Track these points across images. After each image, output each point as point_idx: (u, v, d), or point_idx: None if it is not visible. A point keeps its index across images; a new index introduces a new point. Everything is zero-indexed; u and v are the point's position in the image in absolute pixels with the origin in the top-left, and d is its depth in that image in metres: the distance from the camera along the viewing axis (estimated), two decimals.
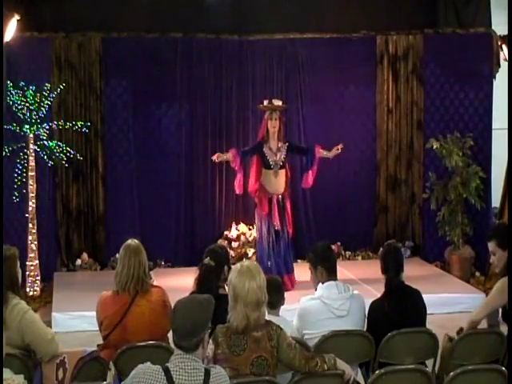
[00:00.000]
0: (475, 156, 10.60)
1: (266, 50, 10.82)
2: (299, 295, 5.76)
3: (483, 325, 5.56)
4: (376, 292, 6.55)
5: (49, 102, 9.57)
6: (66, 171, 10.28)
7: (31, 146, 9.47)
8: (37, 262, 9.48)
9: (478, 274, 10.30)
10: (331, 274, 5.44)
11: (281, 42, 10.82)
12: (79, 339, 7.53)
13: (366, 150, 11.16)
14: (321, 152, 9.30)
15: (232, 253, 9.87)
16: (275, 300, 5.27)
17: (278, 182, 9.23)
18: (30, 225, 9.49)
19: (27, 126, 9.43)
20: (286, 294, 5.59)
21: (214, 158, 9.26)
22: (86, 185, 10.50)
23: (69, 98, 10.27)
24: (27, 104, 9.43)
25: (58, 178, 10.31)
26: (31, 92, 9.43)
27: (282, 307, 5.47)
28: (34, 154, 9.48)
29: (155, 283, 5.61)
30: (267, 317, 4.63)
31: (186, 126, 10.75)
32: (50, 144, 9.57)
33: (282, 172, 9.24)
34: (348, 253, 10.99)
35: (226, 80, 10.79)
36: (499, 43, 10.46)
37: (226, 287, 4.85)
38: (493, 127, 10.86)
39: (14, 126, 9.46)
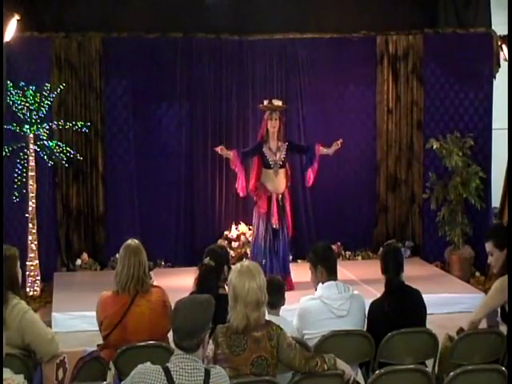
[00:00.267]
0: (475, 156, 10.60)
1: (265, 50, 10.82)
2: (299, 295, 5.76)
3: (483, 325, 5.57)
4: (376, 292, 6.55)
5: (49, 102, 9.57)
6: (66, 171, 10.28)
7: (31, 146, 9.46)
8: (37, 261, 9.48)
9: (478, 273, 10.30)
10: (331, 274, 5.44)
11: (281, 42, 10.82)
12: (79, 339, 7.53)
13: (365, 149, 11.17)
14: (321, 150, 9.29)
15: (232, 253, 9.87)
16: (275, 300, 5.27)
17: (278, 182, 9.23)
18: (30, 225, 9.49)
19: (27, 126, 9.43)
20: (286, 294, 5.59)
21: (218, 149, 9.28)
22: (85, 185, 10.50)
23: (69, 97, 10.27)
24: (27, 104, 9.42)
25: (57, 178, 10.31)
26: (31, 92, 9.43)
27: (282, 307, 5.47)
28: (34, 154, 9.48)
29: (155, 283, 5.61)
30: (267, 317, 4.63)
31: (186, 126, 10.75)
32: (50, 144, 9.57)
33: (282, 171, 9.23)
34: (348, 253, 10.99)
35: (226, 80, 10.79)
36: (499, 43, 10.46)
37: (226, 287, 4.85)
38: (493, 127, 10.86)
39: (14, 126, 9.46)
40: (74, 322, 8.37)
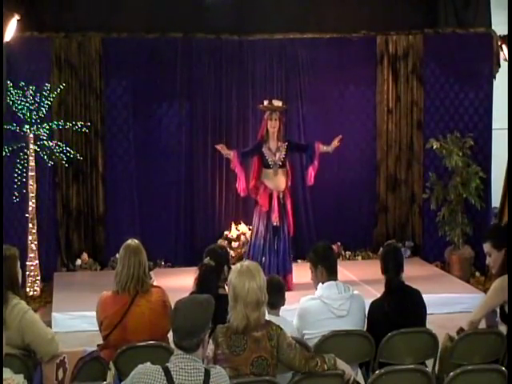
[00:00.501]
0: (475, 156, 10.60)
1: (265, 50, 10.82)
2: (299, 295, 5.76)
3: (482, 325, 5.57)
4: (376, 292, 6.55)
5: (49, 102, 9.56)
6: (65, 171, 10.28)
7: (31, 145, 9.46)
8: (37, 261, 9.48)
9: (477, 273, 10.30)
10: (331, 274, 5.44)
11: (281, 42, 10.82)
12: (79, 339, 7.53)
13: (366, 149, 11.16)
14: (321, 147, 9.29)
15: (232, 253, 9.86)
16: (276, 300, 5.27)
17: (278, 181, 9.23)
18: (30, 225, 9.49)
19: (27, 126, 9.43)
20: (286, 294, 5.59)
21: (219, 147, 9.32)
22: (86, 185, 10.50)
23: (69, 98, 10.27)
24: (27, 104, 9.42)
25: (58, 178, 10.32)
26: (31, 92, 9.43)
27: (282, 307, 5.47)
28: (33, 154, 9.48)
29: (155, 283, 5.61)
30: (267, 317, 4.63)
31: (186, 126, 10.75)
32: (50, 144, 9.57)
33: (282, 171, 9.23)
34: (348, 253, 10.99)
35: (226, 80, 10.79)
36: (499, 43, 10.46)
37: (226, 287, 4.85)
38: (493, 127, 10.86)
39: (13, 126, 9.46)
40: (74, 322, 8.37)
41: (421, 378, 4.75)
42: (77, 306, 8.53)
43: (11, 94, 9.36)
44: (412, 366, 5.04)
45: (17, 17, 9.05)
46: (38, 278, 9.48)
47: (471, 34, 10.79)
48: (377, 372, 4.77)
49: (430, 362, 5.51)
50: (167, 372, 3.81)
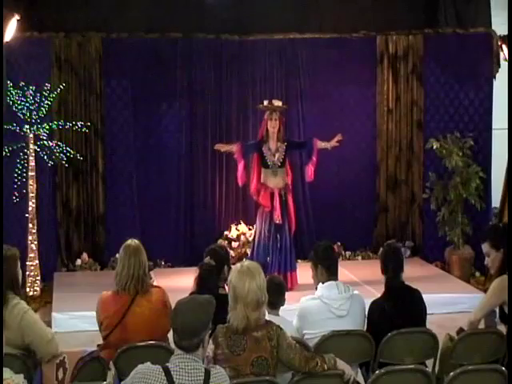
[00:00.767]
0: (475, 156, 10.60)
1: (265, 50, 10.82)
2: (299, 295, 5.77)
3: (482, 326, 5.57)
4: (376, 292, 6.54)
5: (49, 102, 9.56)
6: (65, 171, 10.27)
7: (31, 145, 9.46)
8: (37, 262, 9.48)
9: (477, 274, 10.30)
10: (332, 274, 5.44)
11: (281, 42, 10.82)
12: (79, 339, 7.53)
13: (365, 149, 11.16)
14: (319, 144, 9.32)
15: (232, 253, 9.86)
16: (276, 300, 5.27)
17: (278, 181, 9.26)
18: (30, 225, 9.49)
19: (27, 126, 9.43)
20: (286, 294, 5.59)
21: (217, 147, 9.38)
22: (86, 185, 10.50)
23: (69, 97, 10.27)
24: (27, 104, 9.42)
25: (58, 178, 10.32)
26: (31, 92, 9.43)
27: (282, 307, 5.47)
28: (34, 154, 9.48)
29: (155, 283, 5.61)
30: (267, 317, 4.63)
31: (186, 127, 10.75)
32: (50, 144, 9.57)
33: (281, 171, 9.26)
34: (348, 253, 10.99)
35: (226, 80, 10.79)
36: (499, 43, 10.47)
37: (226, 287, 4.85)
38: (493, 127, 10.87)
39: (13, 126, 9.46)
40: (74, 321, 8.37)
41: (421, 378, 4.75)
42: (77, 306, 8.53)
43: (11, 93, 9.36)
44: (412, 366, 5.04)
45: (17, 17, 9.04)
46: (38, 278, 9.47)
47: (471, 34, 10.80)
48: (377, 372, 4.77)
49: (430, 362, 5.51)
50: (167, 372, 3.81)
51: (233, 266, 4.70)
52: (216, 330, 4.44)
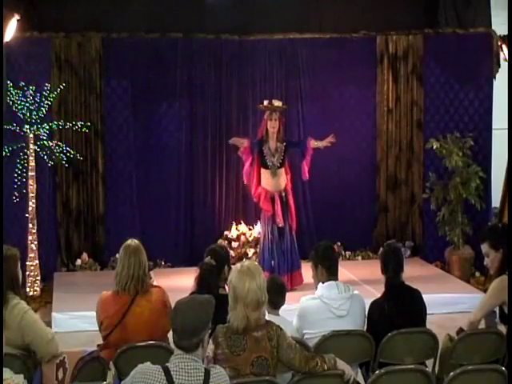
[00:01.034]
0: (475, 156, 10.60)
1: (265, 50, 10.82)
2: (299, 295, 5.77)
3: (482, 325, 5.57)
4: (376, 292, 6.55)
5: (49, 102, 9.56)
6: (66, 171, 10.27)
7: (31, 145, 9.46)
8: (37, 262, 9.48)
9: (477, 274, 10.30)
10: (332, 274, 5.44)
11: (281, 41, 10.82)
12: (79, 339, 7.53)
13: (365, 149, 11.16)
14: (312, 143, 9.36)
15: (232, 253, 9.86)
16: (276, 300, 5.27)
17: (277, 181, 9.28)
18: (30, 225, 9.49)
19: (27, 126, 9.43)
20: (286, 294, 5.60)
21: (232, 141, 9.52)
22: (86, 185, 10.50)
23: (69, 97, 10.27)
24: (27, 104, 9.42)
25: (58, 178, 10.32)
26: (31, 92, 9.43)
27: (282, 307, 5.47)
28: (34, 154, 9.47)
29: (155, 283, 5.61)
30: (267, 317, 4.63)
31: (186, 127, 10.75)
32: (50, 144, 9.57)
33: (281, 171, 9.28)
34: (348, 253, 10.99)
35: (225, 80, 10.79)
36: (499, 43, 10.47)
37: (226, 287, 4.85)
38: (493, 127, 10.86)
39: (13, 126, 9.46)
40: (74, 321, 8.37)
41: (421, 378, 4.75)
42: (77, 306, 8.53)
43: (11, 93, 9.36)
44: (412, 366, 5.04)
45: (17, 17, 9.04)
46: (38, 278, 9.47)
47: (471, 34, 10.80)
48: (377, 372, 4.77)
49: (430, 362, 5.51)
50: (167, 372, 3.81)
51: (233, 266, 4.70)
52: (216, 330, 4.44)
